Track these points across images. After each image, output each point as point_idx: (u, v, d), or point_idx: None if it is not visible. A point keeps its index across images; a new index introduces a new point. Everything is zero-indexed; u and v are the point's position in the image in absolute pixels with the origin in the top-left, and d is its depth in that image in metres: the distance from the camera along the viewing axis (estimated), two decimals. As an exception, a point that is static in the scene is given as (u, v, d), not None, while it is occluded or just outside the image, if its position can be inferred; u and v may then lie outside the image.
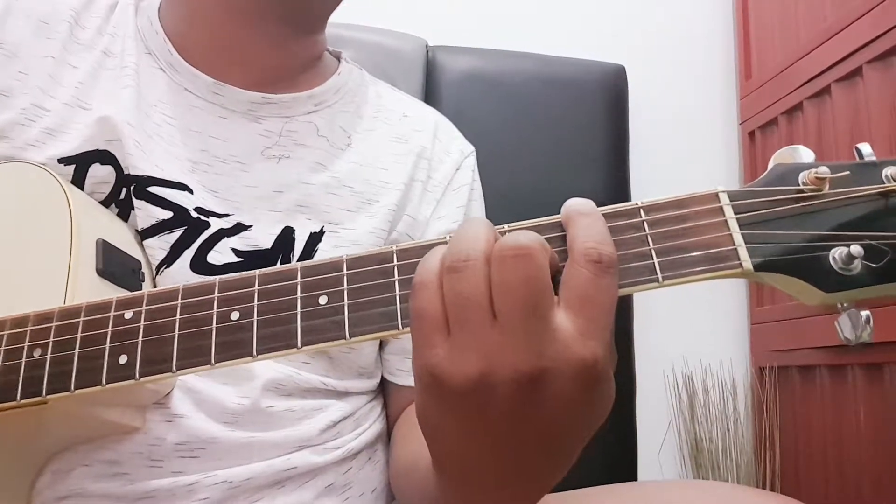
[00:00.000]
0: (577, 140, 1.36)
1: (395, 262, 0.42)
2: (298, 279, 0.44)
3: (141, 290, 0.58)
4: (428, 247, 0.41)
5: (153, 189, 0.64)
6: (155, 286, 0.61)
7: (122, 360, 0.45)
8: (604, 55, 1.47)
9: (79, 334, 0.47)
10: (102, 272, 0.56)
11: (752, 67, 1.64)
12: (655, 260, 0.39)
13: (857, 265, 0.38)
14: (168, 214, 0.64)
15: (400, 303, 0.41)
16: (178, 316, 0.45)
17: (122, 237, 0.61)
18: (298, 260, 0.66)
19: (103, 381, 0.45)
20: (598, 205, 0.41)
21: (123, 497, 0.57)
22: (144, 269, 0.62)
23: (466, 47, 1.40)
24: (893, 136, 1.19)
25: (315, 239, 0.68)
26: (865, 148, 0.41)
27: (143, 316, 0.46)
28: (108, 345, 0.46)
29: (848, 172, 0.40)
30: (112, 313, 0.47)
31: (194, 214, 0.65)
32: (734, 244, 0.39)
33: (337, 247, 0.68)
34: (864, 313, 0.38)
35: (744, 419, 1.54)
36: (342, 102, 0.76)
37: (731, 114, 1.69)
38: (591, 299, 0.37)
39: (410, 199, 0.74)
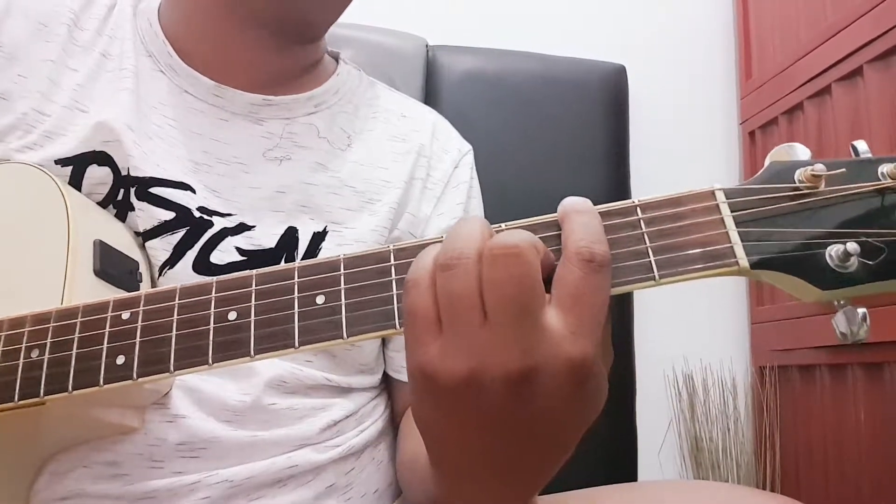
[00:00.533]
0: (577, 140, 1.36)
1: (393, 261, 0.42)
2: (295, 279, 0.44)
3: (138, 290, 0.58)
4: (424, 246, 0.41)
5: (155, 190, 0.64)
6: (154, 287, 0.61)
7: (120, 360, 0.45)
8: (604, 55, 1.47)
9: (76, 335, 0.47)
10: (100, 273, 0.56)
11: (753, 67, 1.64)
12: (652, 258, 0.39)
13: (854, 262, 0.38)
14: (170, 215, 0.64)
15: (397, 302, 0.41)
16: (175, 316, 0.45)
17: (119, 238, 0.61)
18: (302, 259, 0.67)
19: (101, 382, 0.45)
20: (598, 204, 0.41)
21: (123, 497, 0.57)
22: (143, 269, 0.62)
23: (467, 47, 1.40)
24: (894, 136, 1.19)
25: (318, 238, 0.68)
26: (861, 145, 0.41)
27: (140, 316, 0.46)
28: (105, 345, 0.46)
29: (844, 170, 0.40)
30: (109, 314, 0.47)
31: (197, 214, 0.65)
32: (730, 242, 0.39)
33: (340, 245, 0.69)
34: (861, 310, 0.38)
35: (744, 419, 1.54)
36: (341, 103, 0.77)
37: (731, 113, 1.69)
38: (582, 298, 0.37)
39: (411, 197, 0.75)
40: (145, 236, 0.63)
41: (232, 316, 0.44)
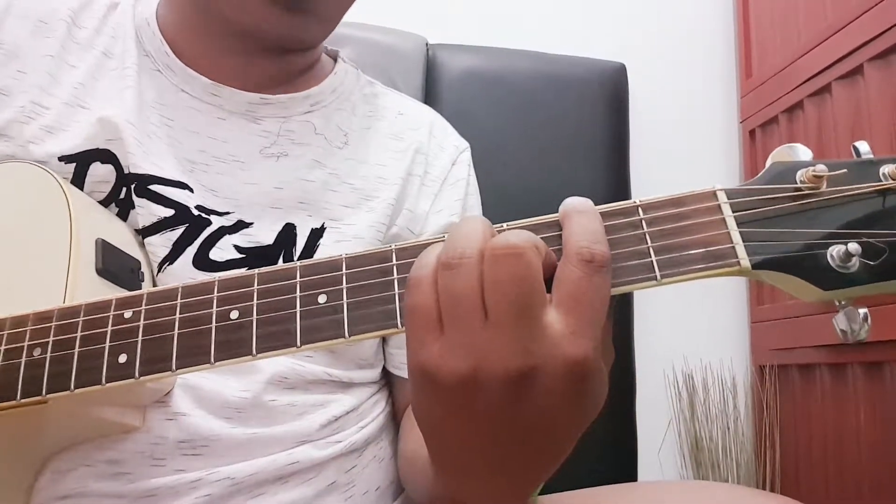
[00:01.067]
0: (577, 138, 1.36)
1: (394, 261, 0.42)
2: (297, 278, 0.44)
3: (140, 289, 0.58)
4: (426, 246, 0.41)
5: (154, 187, 0.64)
6: (155, 285, 0.62)
7: (122, 359, 0.45)
8: (604, 53, 1.47)
9: (78, 334, 0.47)
10: (102, 272, 0.56)
11: (753, 66, 1.64)
12: (653, 258, 0.40)
13: (855, 263, 0.38)
14: (169, 212, 0.64)
15: (399, 301, 0.41)
16: (177, 315, 0.45)
17: (121, 237, 0.61)
18: (301, 256, 0.67)
19: (103, 381, 0.45)
20: (598, 203, 0.41)
21: (125, 495, 0.57)
22: (144, 268, 0.62)
23: (466, 45, 1.40)
24: (894, 135, 1.19)
25: (316, 235, 0.68)
26: (863, 146, 0.41)
27: (142, 315, 0.46)
28: (107, 344, 0.46)
29: (845, 170, 0.40)
30: (111, 313, 0.47)
31: (195, 212, 0.65)
32: (732, 242, 0.39)
33: (338, 242, 0.69)
34: (862, 310, 0.38)
35: (744, 418, 1.54)
36: (338, 102, 0.77)
37: (731, 112, 1.69)
38: (582, 298, 0.37)
39: (408, 194, 0.75)
40: (145, 232, 0.63)
41: (234, 315, 0.44)
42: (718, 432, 1.50)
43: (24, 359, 0.48)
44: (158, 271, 0.63)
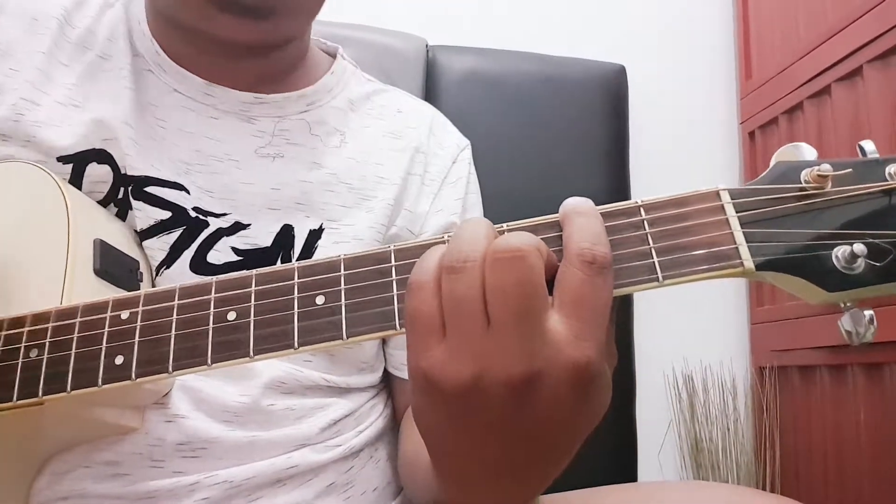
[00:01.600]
0: (577, 140, 1.36)
1: (393, 262, 0.42)
2: (295, 279, 0.43)
3: (139, 290, 0.58)
4: (425, 246, 0.41)
5: (151, 189, 0.64)
6: (153, 286, 0.61)
7: (119, 360, 0.45)
8: (604, 55, 1.47)
9: (75, 335, 0.47)
10: (100, 272, 0.56)
11: (753, 67, 1.64)
12: (655, 259, 0.39)
13: (860, 264, 0.37)
14: (166, 214, 0.63)
15: (397, 303, 0.41)
16: (174, 316, 0.45)
17: (119, 237, 0.61)
18: (299, 257, 0.66)
19: (100, 382, 0.45)
20: (599, 204, 0.40)
21: (123, 497, 0.57)
22: (143, 268, 0.61)
23: (466, 47, 1.40)
24: (894, 136, 1.19)
25: (315, 236, 0.68)
26: (868, 145, 0.40)
27: (139, 316, 0.46)
28: (104, 345, 0.46)
29: (850, 170, 0.39)
30: (108, 314, 0.47)
31: (192, 214, 0.65)
32: (735, 243, 0.39)
33: (337, 242, 0.68)
34: (868, 312, 0.38)
35: (744, 419, 1.54)
36: (335, 101, 0.76)
37: (731, 113, 1.69)
38: (584, 300, 0.36)
39: (408, 194, 0.74)
40: (142, 235, 0.63)
41: (231, 316, 0.44)
42: (718, 433, 1.50)
43: (21, 360, 0.48)
44: (156, 275, 0.63)
